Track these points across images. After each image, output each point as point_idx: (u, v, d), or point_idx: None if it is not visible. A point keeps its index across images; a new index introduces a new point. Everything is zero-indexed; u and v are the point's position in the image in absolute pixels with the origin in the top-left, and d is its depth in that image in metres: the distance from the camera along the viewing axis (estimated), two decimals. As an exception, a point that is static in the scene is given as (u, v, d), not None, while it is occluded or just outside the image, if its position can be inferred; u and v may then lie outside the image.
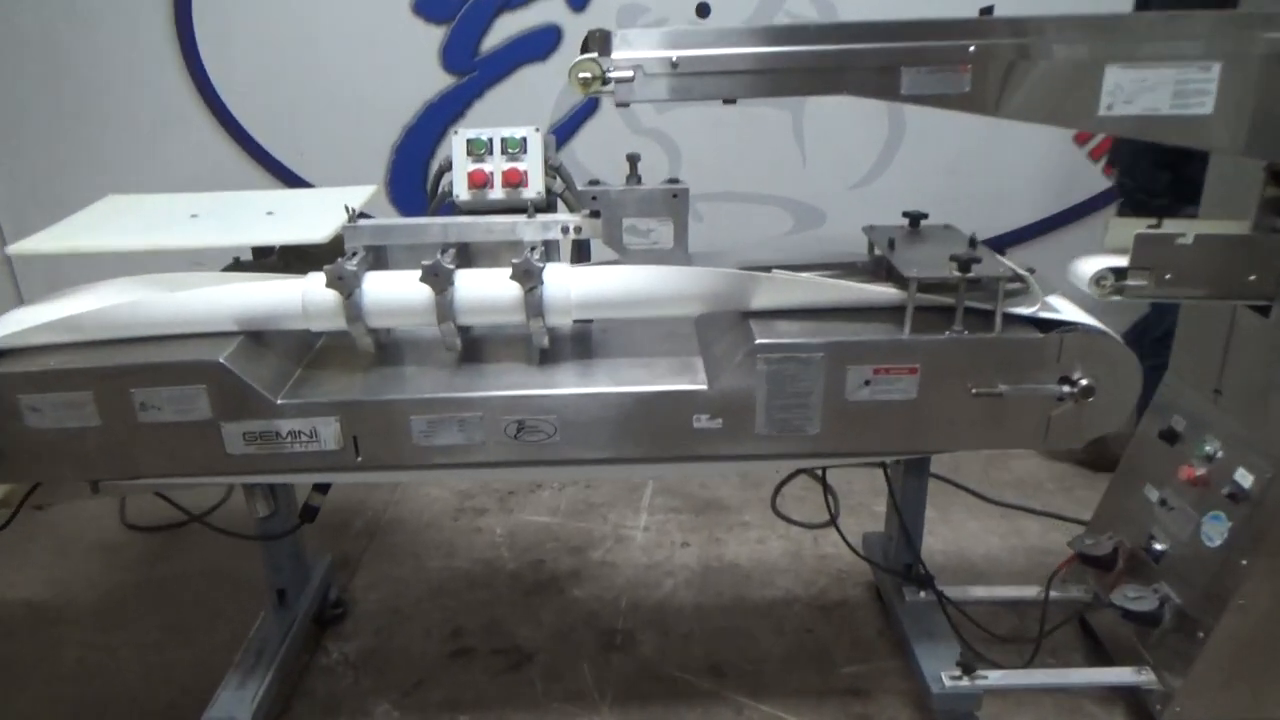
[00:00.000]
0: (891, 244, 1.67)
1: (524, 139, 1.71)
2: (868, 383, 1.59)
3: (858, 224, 3.07)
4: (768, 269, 1.69)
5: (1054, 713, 2.01)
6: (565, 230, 1.65)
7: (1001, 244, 3.09)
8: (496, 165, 1.71)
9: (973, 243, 1.68)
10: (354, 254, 1.61)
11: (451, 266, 1.56)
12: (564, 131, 3.01)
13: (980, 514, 2.73)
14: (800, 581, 2.45)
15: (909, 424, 1.62)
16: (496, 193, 1.71)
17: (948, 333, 1.58)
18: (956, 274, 1.54)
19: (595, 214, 1.64)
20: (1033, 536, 2.63)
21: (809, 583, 2.45)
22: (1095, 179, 3.02)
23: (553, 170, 1.77)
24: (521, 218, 1.65)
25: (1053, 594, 2.08)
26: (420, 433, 1.60)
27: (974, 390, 1.58)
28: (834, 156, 3.03)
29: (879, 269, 1.78)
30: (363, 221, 1.65)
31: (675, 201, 1.63)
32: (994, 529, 2.67)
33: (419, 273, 1.56)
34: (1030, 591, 2.12)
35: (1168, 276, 1.65)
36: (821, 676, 2.12)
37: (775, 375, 1.57)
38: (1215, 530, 1.78)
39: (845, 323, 1.62)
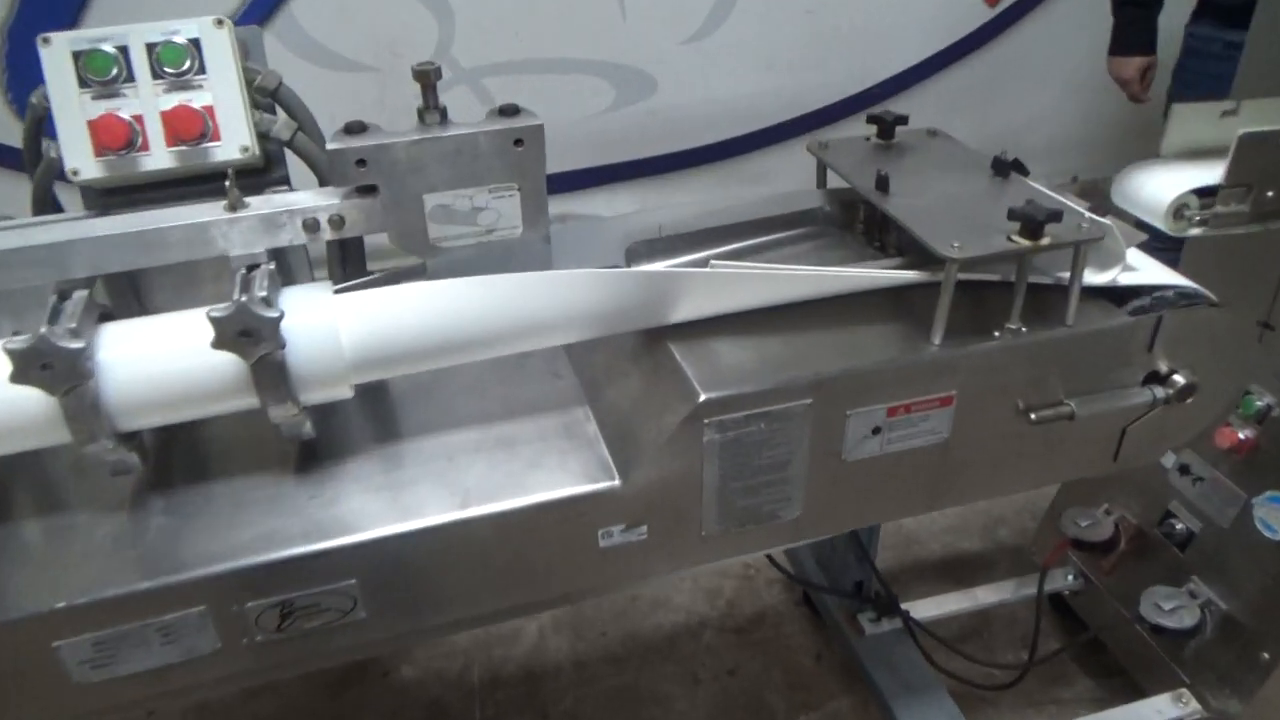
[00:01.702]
0: (884, 182, 0.99)
1: (194, 41, 0.86)
2: (877, 430, 0.95)
3: (698, 90, 2.35)
4: (688, 246, 0.99)
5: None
6: (312, 226, 0.85)
7: (872, 97, 2.48)
8: (147, 101, 0.86)
9: (1004, 166, 1.04)
10: None
11: (76, 343, 0.74)
12: (260, 10, 2.04)
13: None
14: (701, 594, 1.88)
15: (932, 476, 1.02)
16: (158, 157, 0.87)
17: (998, 334, 0.96)
18: (1024, 242, 0.90)
19: (368, 189, 0.84)
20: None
21: (712, 593, 1.88)
22: (977, 7, 2.45)
23: (264, 97, 0.94)
24: (218, 208, 0.83)
25: (1028, 587, 1.63)
26: (82, 664, 0.81)
27: (1033, 415, 0.98)
28: (661, 3, 2.26)
29: (851, 220, 1.11)
30: None
31: (522, 153, 0.86)
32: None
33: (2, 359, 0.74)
34: (1011, 593, 1.65)
35: (1270, 194, 1.09)
36: (765, 746, 1.59)
37: (734, 446, 0.90)
38: (1278, 517, 1.33)
39: (822, 330, 0.96)
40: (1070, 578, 1.64)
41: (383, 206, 0.85)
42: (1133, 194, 1.12)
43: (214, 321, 0.76)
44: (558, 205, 2.50)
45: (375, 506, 0.87)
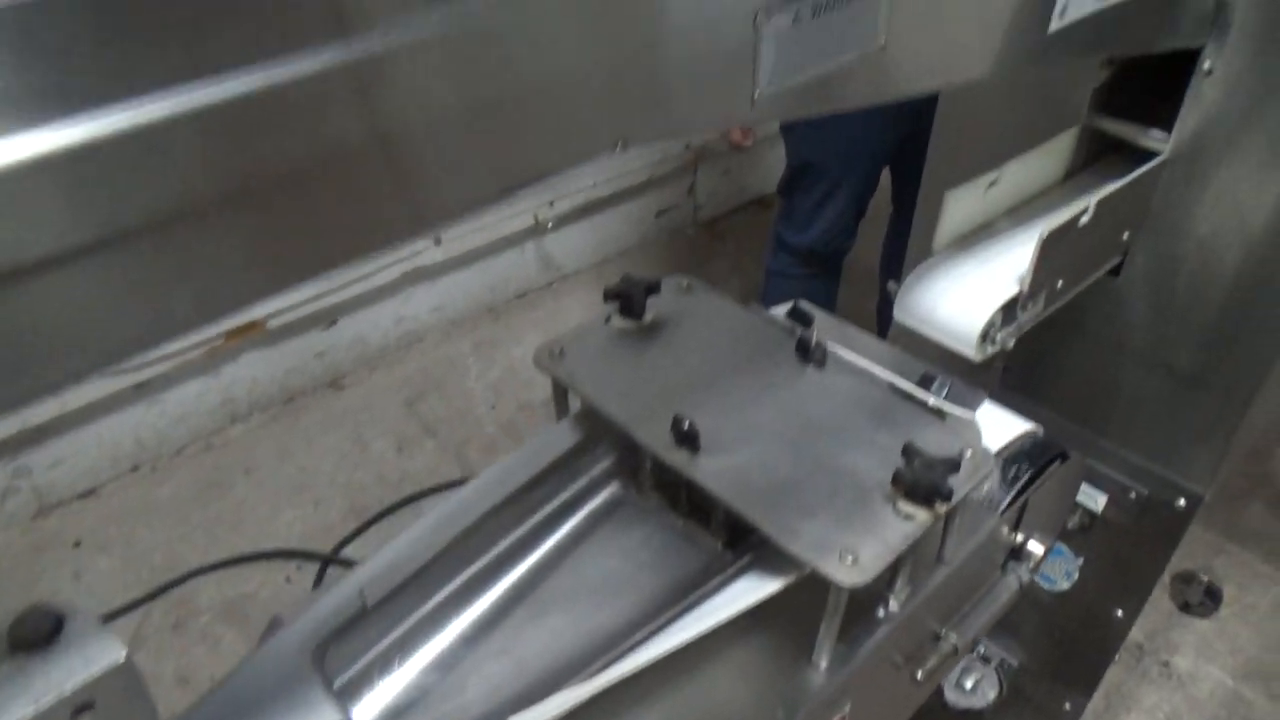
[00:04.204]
0: (689, 437, 0.65)
1: None
2: (768, 803, 0.65)
3: None
4: (432, 622, 0.60)
5: None
6: None
7: None
8: None
9: (814, 350, 0.75)
10: None
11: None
12: None
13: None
14: None
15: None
16: None
17: (882, 613, 0.68)
18: (922, 514, 0.62)
19: None
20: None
21: None
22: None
23: None
24: None
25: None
26: None
27: (919, 674, 0.74)
28: None
29: (633, 470, 0.75)
30: None
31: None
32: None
33: None
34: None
35: (1060, 284, 0.93)
36: None
37: None
38: (1057, 569, 1.26)
39: (672, 691, 0.63)
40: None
41: None
42: (927, 317, 0.89)
43: None
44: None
45: None
